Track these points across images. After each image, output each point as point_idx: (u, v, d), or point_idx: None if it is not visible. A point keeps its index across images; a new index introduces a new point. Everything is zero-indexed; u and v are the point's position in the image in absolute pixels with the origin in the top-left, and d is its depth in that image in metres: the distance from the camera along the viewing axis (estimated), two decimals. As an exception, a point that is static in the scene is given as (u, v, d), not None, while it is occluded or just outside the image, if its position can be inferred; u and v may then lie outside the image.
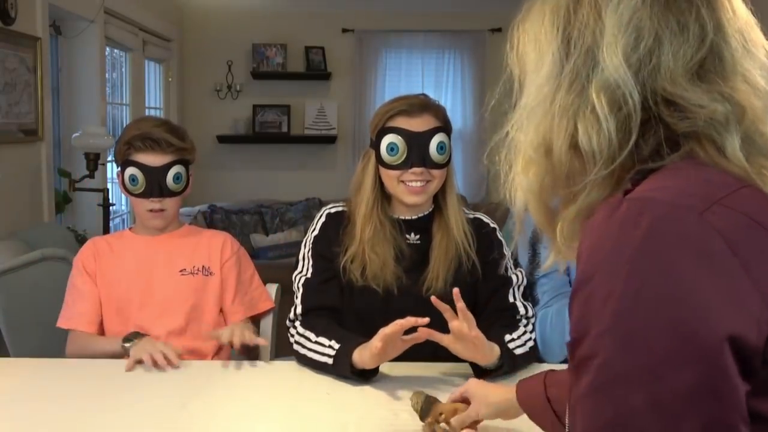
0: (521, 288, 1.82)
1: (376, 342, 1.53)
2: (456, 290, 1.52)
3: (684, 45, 0.72)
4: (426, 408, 1.36)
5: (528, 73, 0.82)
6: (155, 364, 1.71)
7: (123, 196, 2.46)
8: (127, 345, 1.79)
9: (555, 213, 0.80)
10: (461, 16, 5.95)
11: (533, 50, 0.81)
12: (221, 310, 2.00)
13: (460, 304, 1.52)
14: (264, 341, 1.86)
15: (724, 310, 0.61)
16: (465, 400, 1.36)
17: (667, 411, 0.61)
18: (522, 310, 1.78)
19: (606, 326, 0.64)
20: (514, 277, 1.82)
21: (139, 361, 1.73)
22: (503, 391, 1.31)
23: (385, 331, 1.52)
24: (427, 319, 1.50)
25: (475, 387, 1.36)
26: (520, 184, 0.81)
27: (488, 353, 1.58)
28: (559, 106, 0.76)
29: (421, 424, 1.37)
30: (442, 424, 1.35)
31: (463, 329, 1.51)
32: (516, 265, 1.85)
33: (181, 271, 1.95)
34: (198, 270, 1.97)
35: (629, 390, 0.62)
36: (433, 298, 1.52)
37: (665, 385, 0.61)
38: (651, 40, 0.72)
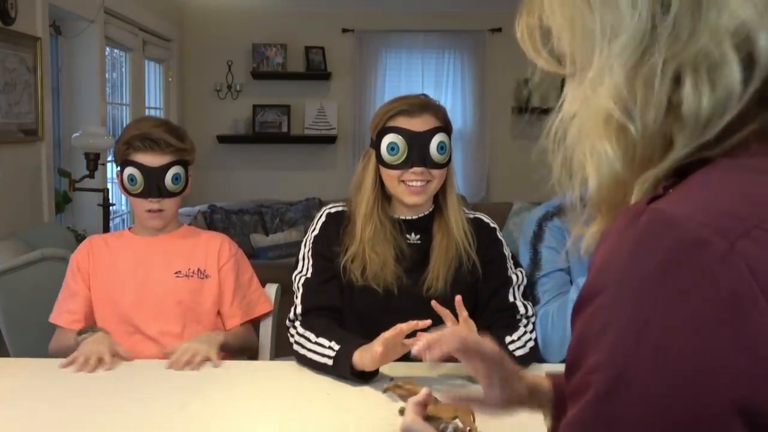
0: (521, 288, 1.82)
1: (376, 347, 1.53)
2: (458, 298, 1.52)
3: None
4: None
5: (575, 47, 0.66)
6: (84, 365, 1.71)
7: (123, 196, 2.46)
8: (79, 338, 1.81)
9: (621, 196, 0.65)
10: (461, 16, 5.95)
11: (583, 17, 0.64)
12: (219, 313, 2.00)
13: (464, 314, 1.52)
14: (218, 361, 1.77)
15: (739, 375, 0.50)
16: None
17: None
18: (522, 310, 1.78)
19: (601, 359, 0.55)
20: (514, 277, 1.82)
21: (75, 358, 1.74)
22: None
23: (385, 336, 1.52)
24: (428, 322, 1.50)
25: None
26: (596, 158, 0.65)
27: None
28: (649, 68, 0.60)
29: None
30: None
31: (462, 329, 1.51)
32: (516, 264, 1.85)
33: (176, 273, 1.95)
34: (193, 273, 1.97)
35: None
36: (433, 303, 1.52)
37: None
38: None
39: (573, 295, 1.77)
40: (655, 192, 0.61)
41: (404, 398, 1.38)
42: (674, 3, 0.59)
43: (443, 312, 1.52)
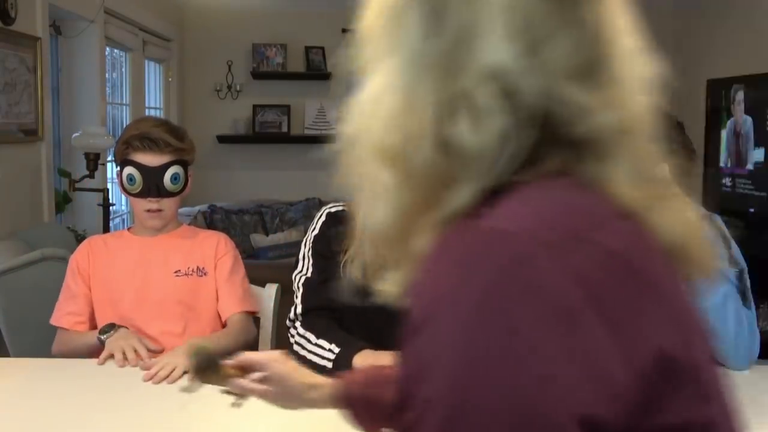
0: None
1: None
2: None
3: (578, 41, 0.59)
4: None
5: (376, 53, 0.65)
6: (126, 360, 1.74)
7: (123, 196, 2.46)
8: (102, 337, 1.81)
9: (407, 230, 0.63)
10: (461, 16, 5.94)
11: (384, 24, 0.64)
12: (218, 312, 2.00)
13: None
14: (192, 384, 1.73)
15: (576, 385, 0.50)
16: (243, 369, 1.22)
17: None
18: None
19: (435, 391, 0.52)
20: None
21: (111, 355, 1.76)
22: (313, 381, 1.22)
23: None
24: None
25: (277, 368, 1.21)
26: (370, 192, 0.65)
27: None
28: (423, 96, 0.60)
29: None
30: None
31: None
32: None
33: (176, 272, 1.95)
34: (192, 271, 1.97)
35: None
36: None
37: None
38: (542, 28, 0.59)
39: None
40: (475, 207, 0.58)
41: None
42: (446, 39, 0.59)
43: None
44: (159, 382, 1.67)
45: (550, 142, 0.58)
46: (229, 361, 1.21)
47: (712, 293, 1.73)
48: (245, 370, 1.21)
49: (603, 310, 0.52)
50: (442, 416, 0.51)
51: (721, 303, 1.73)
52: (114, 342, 1.79)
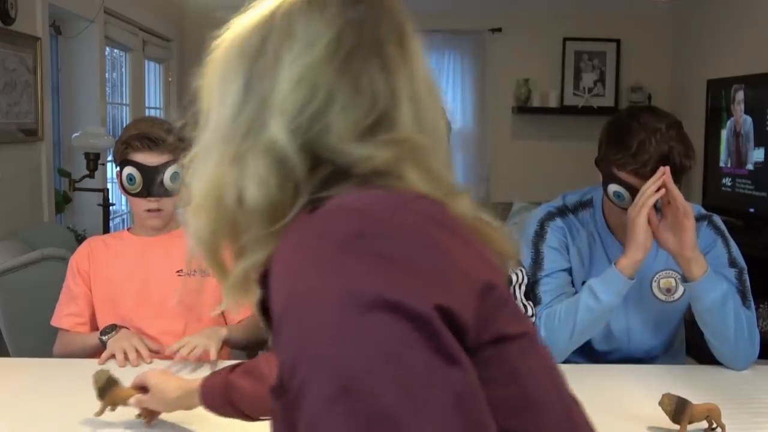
0: (522, 287, 1.82)
1: None
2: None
3: (356, 108, 0.71)
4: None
5: (212, 108, 0.77)
6: (127, 360, 1.76)
7: (123, 196, 2.46)
8: (104, 338, 1.82)
9: (225, 264, 0.78)
10: (461, 16, 5.95)
11: (218, 85, 0.76)
12: (223, 311, 2.00)
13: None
14: (215, 356, 1.76)
15: (432, 287, 0.62)
16: (145, 389, 1.41)
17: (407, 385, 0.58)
18: (522, 310, 1.77)
19: (312, 370, 0.60)
20: (514, 277, 1.81)
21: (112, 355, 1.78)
22: (183, 384, 1.38)
23: None
24: None
25: (156, 379, 1.40)
26: (190, 227, 0.76)
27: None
28: (230, 155, 0.72)
29: None
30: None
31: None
32: (517, 264, 1.85)
33: (178, 271, 1.95)
34: (195, 271, 1.96)
35: (376, 389, 0.58)
36: None
37: (404, 363, 0.59)
38: (323, 100, 0.70)
39: (585, 297, 1.77)
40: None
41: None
42: (250, 109, 0.72)
43: None
44: (180, 360, 1.75)
45: (343, 175, 0.71)
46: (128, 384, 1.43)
47: (712, 293, 1.73)
48: (143, 388, 1.41)
49: (439, 244, 0.66)
50: (321, 374, 0.59)
51: (720, 303, 1.73)
52: (115, 342, 1.80)
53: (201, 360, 1.77)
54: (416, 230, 0.65)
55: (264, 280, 0.71)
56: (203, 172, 0.74)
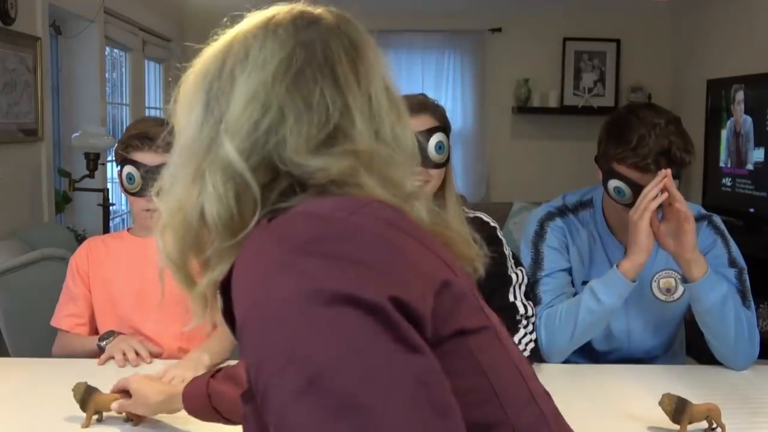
0: (522, 287, 1.82)
1: None
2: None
3: (309, 123, 0.75)
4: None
5: (180, 130, 0.84)
6: (126, 360, 1.76)
7: (123, 195, 2.46)
8: (102, 344, 1.83)
9: (193, 278, 0.81)
10: (461, 16, 5.94)
11: (185, 108, 0.83)
12: None
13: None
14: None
15: (387, 281, 0.65)
16: (127, 392, 1.43)
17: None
18: (522, 310, 1.77)
19: (278, 365, 0.62)
20: (514, 276, 1.81)
21: (111, 357, 1.79)
22: (165, 389, 1.40)
23: None
24: None
25: (137, 384, 1.42)
26: (159, 245, 0.80)
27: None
28: (191, 174, 0.77)
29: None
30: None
31: None
32: (517, 263, 1.85)
33: None
34: None
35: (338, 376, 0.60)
36: None
37: (368, 359, 0.61)
38: (276, 115, 0.74)
39: (586, 298, 1.77)
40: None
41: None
42: (208, 128, 0.78)
43: None
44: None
45: (301, 186, 0.75)
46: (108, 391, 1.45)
47: (712, 294, 1.73)
48: (126, 392, 1.44)
49: (393, 242, 0.68)
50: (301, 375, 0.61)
51: (720, 304, 1.73)
52: (114, 346, 1.81)
53: None
54: (371, 231, 0.68)
55: (225, 289, 0.73)
56: (172, 191, 0.80)
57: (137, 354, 1.79)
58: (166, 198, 0.80)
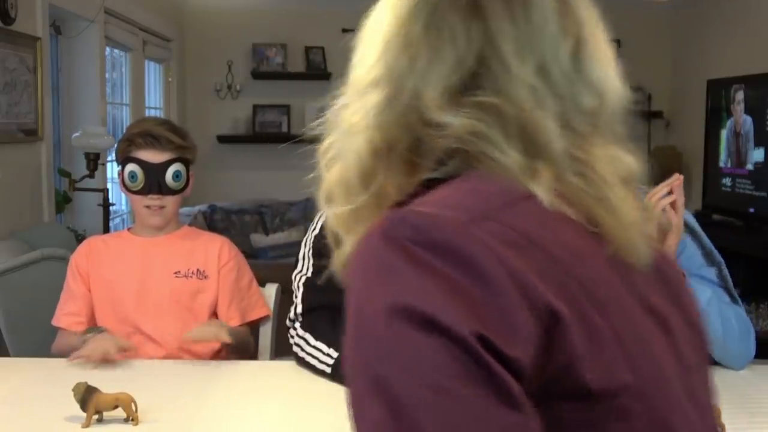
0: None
1: None
2: None
3: (444, 65, 0.65)
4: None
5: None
6: (88, 360, 1.74)
7: (123, 195, 2.46)
8: (84, 338, 1.80)
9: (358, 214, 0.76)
10: (461, 16, 5.95)
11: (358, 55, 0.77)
12: (216, 315, 1.99)
13: None
14: (227, 339, 1.81)
15: (473, 315, 0.55)
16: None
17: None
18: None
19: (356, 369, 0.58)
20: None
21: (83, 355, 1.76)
22: None
23: None
24: None
25: None
26: (323, 207, 0.78)
27: None
28: (345, 125, 0.74)
29: None
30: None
31: None
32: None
33: (175, 273, 1.95)
34: (192, 273, 1.96)
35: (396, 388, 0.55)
36: None
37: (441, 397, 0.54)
38: (413, 58, 0.67)
39: None
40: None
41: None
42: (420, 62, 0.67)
43: None
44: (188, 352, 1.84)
45: (431, 151, 0.66)
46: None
47: (697, 299, 1.69)
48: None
49: (506, 270, 0.56)
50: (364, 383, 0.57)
51: (706, 312, 1.69)
52: (91, 343, 1.76)
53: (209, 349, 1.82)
54: (489, 255, 0.57)
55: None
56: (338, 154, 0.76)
57: (106, 355, 1.74)
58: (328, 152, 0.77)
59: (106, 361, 1.73)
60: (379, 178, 0.68)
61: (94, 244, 2.02)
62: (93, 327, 1.86)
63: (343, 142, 0.72)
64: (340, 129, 0.73)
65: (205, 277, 1.97)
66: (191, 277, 1.96)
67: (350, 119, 0.72)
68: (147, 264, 1.96)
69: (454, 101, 0.65)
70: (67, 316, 1.94)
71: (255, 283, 2.05)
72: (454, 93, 0.65)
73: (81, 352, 1.75)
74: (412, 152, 0.67)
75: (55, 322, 1.95)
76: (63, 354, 1.86)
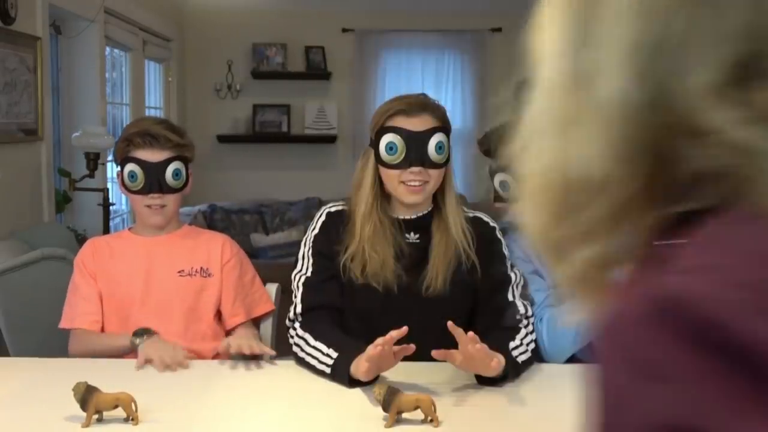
0: (520, 287, 1.82)
1: (363, 362, 1.53)
2: (450, 323, 1.52)
3: (718, 36, 0.46)
4: (389, 399, 1.41)
5: (540, 60, 0.59)
6: (165, 366, 1.73)
7: (123, 195, 2.46)
8: (136, 341, 1.79)
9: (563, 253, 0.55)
10: (461, 16, 5.95)
11: (547, 30, 0.58)
12: (220, 313, 1.99)
13: (469, 335, 1.51)
14: (271, 351, 1.81)
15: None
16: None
17: None
18: (522, 309, 1.78)
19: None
20: (513, 276, 1.82)
21: (149, 360, 1.75)
22: None
23: (369, 353, 1.52)
24: (405, 329, 1.51)
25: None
26: (523, 217, 0.57)
27: (495, 366, 1.57)
28: (556, 116, 0.53)
29: (384, 414, 1.42)
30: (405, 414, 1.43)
31: (473, 353, 1.51)
32: (514, 264, 1.85)
33: (179, 272, 1.95)
34: (196, 271, 1.96)
35: None
36: (449, 324, 1.52)
37: None
38: (671, 28, 0.47)
39: None
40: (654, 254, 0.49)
41: (379, 403, 1.43)
42: (580, 40, 0.53)
43: (457, 332, 1.51)
44: (235, 352, 1.76)
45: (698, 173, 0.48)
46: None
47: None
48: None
49: None
50: None
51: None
52: (150, 347, 1.77)
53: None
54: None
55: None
56: (533, 146, 0.55)
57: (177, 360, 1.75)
58: (527, 156, 0.54)
59: (170, 368, 1.74)
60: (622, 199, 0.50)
61: (98, 243, 2.02)
62: (141, 329, 1.83)
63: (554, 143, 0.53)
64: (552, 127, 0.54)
65: (209, 275, 1.97)
66: (195, 275, 1.96)
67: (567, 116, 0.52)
68: (150, 263, 1.96)
69: (723, 97, 0.46)
70: (86, 315, 1.91)
71: (258, 278, 2.06)
72: (724, 84, 0.46)
73: (146, 358, 1.74)
74: (654, 170, 0.48)
75: (69, 324, 1.93)
76: (96, 354, 1.84)
